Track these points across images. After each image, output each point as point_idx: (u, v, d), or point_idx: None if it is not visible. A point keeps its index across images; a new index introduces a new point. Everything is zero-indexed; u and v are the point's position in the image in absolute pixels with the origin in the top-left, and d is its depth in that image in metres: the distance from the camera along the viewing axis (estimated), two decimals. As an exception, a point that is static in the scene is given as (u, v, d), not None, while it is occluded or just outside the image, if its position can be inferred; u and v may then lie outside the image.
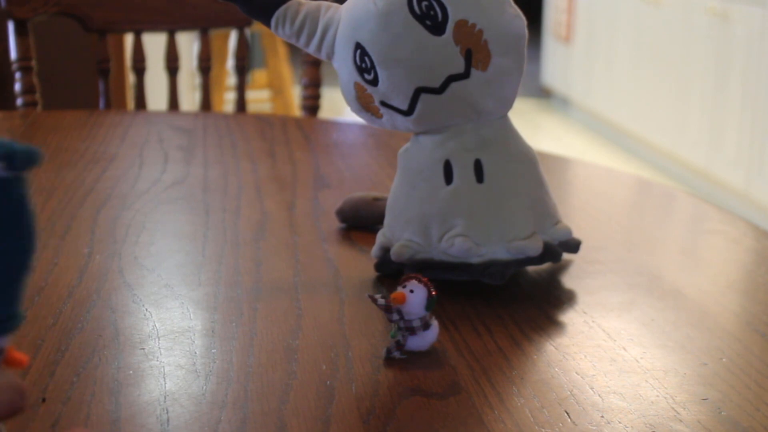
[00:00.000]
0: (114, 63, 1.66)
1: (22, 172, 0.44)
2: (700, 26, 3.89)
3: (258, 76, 4.56)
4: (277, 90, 4.34)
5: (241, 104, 1.73)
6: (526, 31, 0.77)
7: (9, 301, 0.46)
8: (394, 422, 0.58)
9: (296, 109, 4.31)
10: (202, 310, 0.74)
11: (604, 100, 4.88)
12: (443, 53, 0.75)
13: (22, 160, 0.43)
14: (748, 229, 0.97)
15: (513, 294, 0.78)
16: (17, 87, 1.58)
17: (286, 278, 0.81)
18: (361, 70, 0.77)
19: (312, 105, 1.68)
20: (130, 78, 2.79)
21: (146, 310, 0.74)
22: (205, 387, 0.62)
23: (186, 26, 1.72)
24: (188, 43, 4.05)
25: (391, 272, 0.80)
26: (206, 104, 1.72)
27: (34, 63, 1.59)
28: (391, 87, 0.76)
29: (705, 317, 0.75)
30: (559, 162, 1.24)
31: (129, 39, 2.72)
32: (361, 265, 0.84)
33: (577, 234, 0.82)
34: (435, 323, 0.67)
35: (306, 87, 1.68)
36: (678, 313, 0.76)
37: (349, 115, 0.93)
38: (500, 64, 0.76)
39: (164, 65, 1.69)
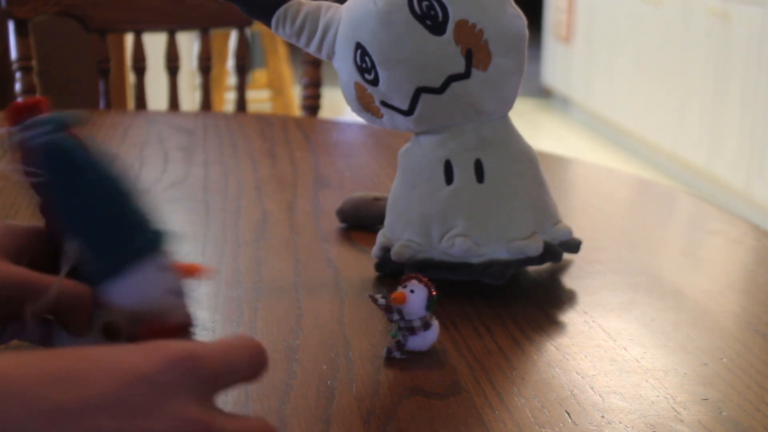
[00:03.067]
0: (114, 63, 1.66)
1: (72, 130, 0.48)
2: (700, 26, 3.89)
3: (258, 76, 4.57)
4: (278, 90, 4.34)
5: (241, 104, 1.73)
6: (527, 31, 0.77)
7: (136, 225, 0.48)
8: (394, 422, 0.58)
9: (296, 109, 4.31)
10: (203, 309, 0.74)
11: (604, 100, 4.88)
12: (444, 53, 0.75)
13: (72, 121, 0.48)
14: (748, 229, 0.97)
15: (513, 294, 0.78)
16: (17, 87, 1.58)
17: (286, 278, 0.81)
18: (362, 70, 0.77)
19: (312, 105, 1.68)
20: (131, 78, 2.79)
21: (146, 310, 0.74)
22: (205, 387, 0.62)
23: (186, 26, 1.72)
24: (188, 43, 4.04)
25: (391, 272, 0.80)
26: (206, 104, 1.72)
27: (34, 63, 1.59)
28: (392, 87, 0.76)
29: (705, 317, 0.75)
30: (559, 162, 1.24)
31: (129, 39, 2.72)
32: (361, 265, 0.84)
33: (577, 234, 0.82)
34: (435, 323, 0.67)
35: (306, 87, 1.68)
36: (678, 313, 0.76)
37: (349, 115, 0.93)
38: (501, 64, 0.76)
39: (164, 65, 1.69)
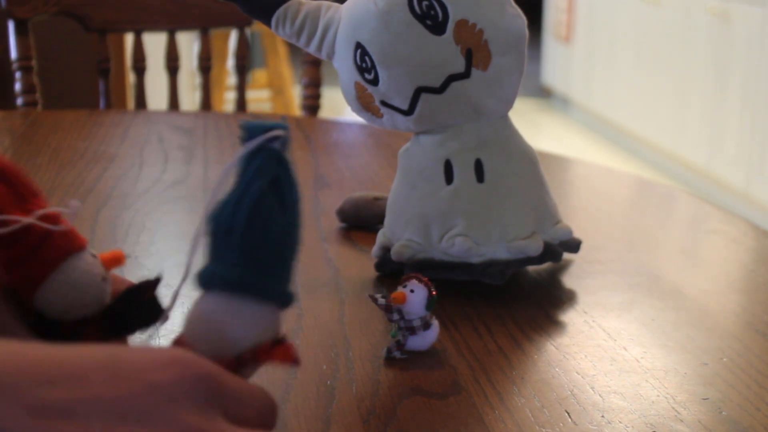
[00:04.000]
0: (114, 63, 1.66)
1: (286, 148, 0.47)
2: (700, 26, 3.89)
3: (258, 75, 4.57)
4: (278, 90, 4.34)
5: (241, 104, 1.73)
6: (527, 31, 0.77)
7: (287, 277, 0.47)
8: (394, 422, 0.58)
9: (296, 109, 4.31)
10: (203, 309, 0.74)
11: (604, 100, 4.88)
12: (444, 53, 0.75)
13: (289, 137, 0.47)
14: (748, 229, 0.97)
15: (513, 294, 0.78)
16: (17, 87, 1.58)
17: (286, 278, 0.81)
18: (362, 69, 0.77)
19: (312, 105, 1.68)
20: (131, 78, 2.80)
21: (146, 309, 0.74)
22: (205, 387, 0.62)
23: (186, 26, 1.72)
24: (188, 43, 4.05)
25: (391, 272, 0.80)
26: (206, 104, 1.72)
27: (34, 63, 1.59)
28: (392, 87, 0.76)
29: (705, 317, 0.75)
30: (559, 162, 1.24)
31: (129, 39, 2.72)
32: (361, 265, 0.84)
33: (577, 234, 0.82)
34: (435, 323, 0.67)
35: (306, 87, 1.68)
36: (678, 312, 0.76)
37: (349, 115, 0.93)
38: (501, 63, 0.76)
39: (164, 65, 1.69)
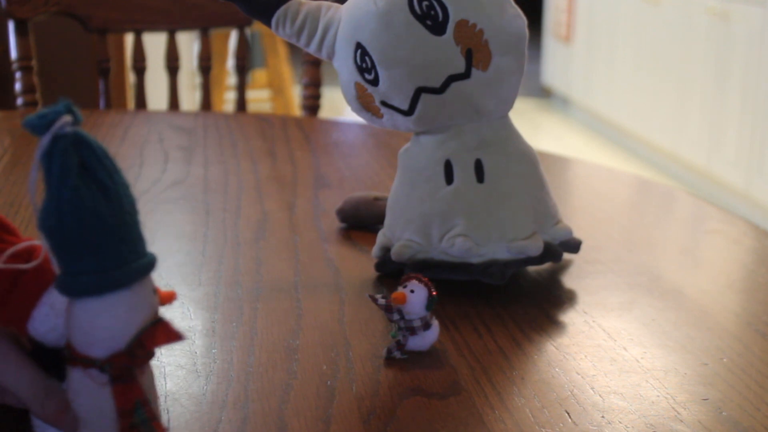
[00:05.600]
0: (114, 63, 1.66)
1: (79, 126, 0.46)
2: (700, 26, 3.89)
3: (258, 75, 4.56)
4: (277, 90, 4.34)
5: (241, 104, 1.73)
6: (527, 31, 0.77)
7: (134, 245, 0.47)
8: (394, 422, 0.58)
9: (296, 109, 4.31)
10: (203, 309, 0.74)
11: (604, 100, 4.88)
12: (444, 53, 0.75)
13: (76, 114, 0.46)
14: (748, 229, 0.97)
15: (513, 294, 0.78)
16: (17, 87, 1.58)
17: (286, 278, 0.81)
18: (362, 69, 0.77)
19: (312, 105, 1.68)
20: (130, 78, 2.80)
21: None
22: (205, 387, 0.62)
23: (186, 26, 1.72)
24: (188, 43, 4.05)
25: (391, 272, 0.80)
26: (206, 104, 1.72)
27: (34, 63, 1.59)
28: (392, 87, 0.76)
29: (705, 317, 0.75)
30: (559, 162, 1.24)
31: (129, 39, 2.72)
32: (361, 265, 0.84)
33: (577, 234, 0.82)
34: (435, 323, 0.67)
35: (306, 87, 1.68)
36: (678, 313, 0.76)
37: (349, 115, 0.93)
38: (501, 63, 0.76)
39: (164, 65, 1.69)
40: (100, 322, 0.46)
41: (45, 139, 0.45)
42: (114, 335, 0.46)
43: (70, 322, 0.47)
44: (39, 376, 0.49)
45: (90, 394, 0.48)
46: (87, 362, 0.47)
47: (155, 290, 0.49)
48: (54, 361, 0.50)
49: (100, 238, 0.45)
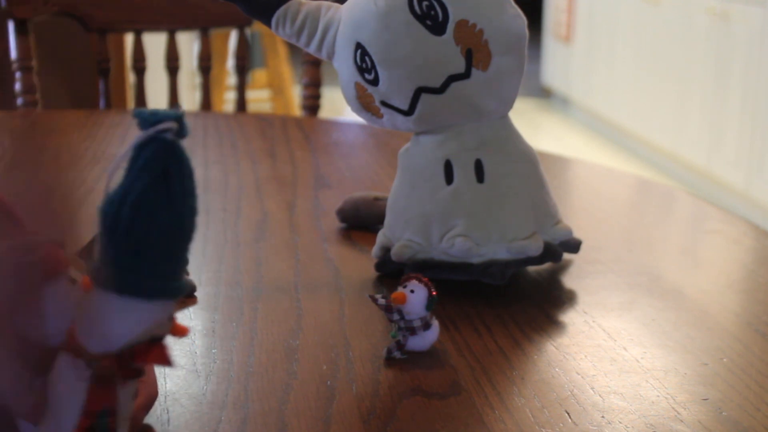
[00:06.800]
0: (114, 63, 1.66)
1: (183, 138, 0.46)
2: (700, 26, 3.89)
3: (258, 75, 4.56)
4: (278, 90, 4.34)
5: (241, 104, 1.73)
6: (527, 31, 0.77)
7: (176, 266, 0.46)
8: (394, 422, 0.58)
9: (296, 109, 4.31)
10: (203, 310, 0.74)
11: (604, 100, 4.88)
12: (444, 53, 0.75)
13: (184, 126, 0.46)
14: (748, 229, 0.97)
15: (513, 294, 0.78)
16: (17, 87, 1.58)
17: (286, 278, 0.81)
18: (362, 70, 0.77)
19: (312, 105, 1.68)
20: (131, 78, 2.79)
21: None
22: (205, 387, 0.62)
23: (186, 26, 1.72)
24: (188, 43, 4.05)
25: (391, 272, 0.80)
26: (206, 104, 1.72)
27: (34, 63, 1.59)
28: (392, 87, 0.76)
29: (705, 317, 0.75)
30: (559, 162, 1.24)
31: (129, 39, 2.72)
32: (361, 265, 0.84)
33: (577, 234, 0.82)
34: (435, 323, 0.67)
35: (306, 87, 1.68)
36: (678, 313, 0.76)
37: (349, 115, 0.93)
38: (501, 63, 0.76)
39: (164, 65, 1.69)
40: (108, 320, 0.46)
41: (145, 133, 0.46)
42: (113, 337, 0.46)
43: (82, 305, 0.47)
44: (23, 372, 0.49)
45: (68, 383, 0.48)
46: (79, 352, 0.47)
47: (171, 318, 0.49)
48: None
49: (146, 244, 0.45)
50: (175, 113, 0.46)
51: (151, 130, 0.46)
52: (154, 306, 0.47)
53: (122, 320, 0.46)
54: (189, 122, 0.47)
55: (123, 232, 0.45)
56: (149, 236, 0.45)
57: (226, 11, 1.67)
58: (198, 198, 0.47)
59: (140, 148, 0.46)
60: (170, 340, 0.68)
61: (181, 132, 0.46)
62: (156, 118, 0.46)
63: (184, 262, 0.47)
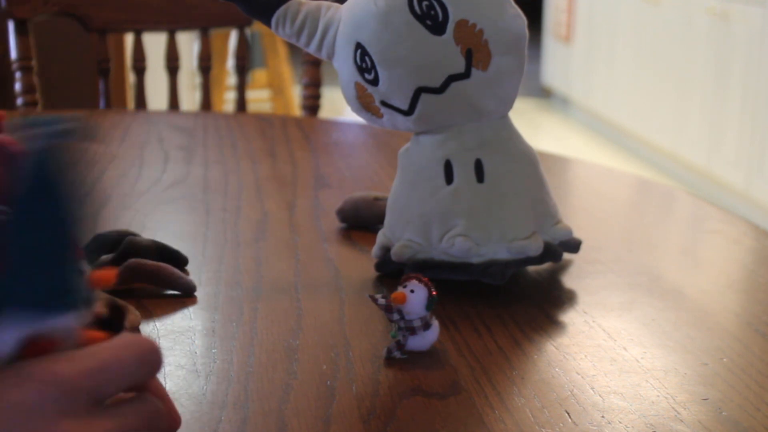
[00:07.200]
0: (114, 63, 1.66)
1: (64, 143, 0.45)
2: (700, 26, 3.89)
3: (258, 75, 4.56)
4: (278, 90, 4.34)
5: (241, 104, 1.73)
6: (527, 31, 0.77)
7: (59, 276, 0.45)
8: (394, 422, 0.58)
9: (296, 109, 4.31)
10: (203, 310, 0.74)
11: (604, 100, 4.88)
12: (444, 53, 0.75)
13: (66, 132, 0.45)
14: (748, 229, 0.97)
15: (513, 294, 0.78)
16: (17, 87, 1.58)
17: (286, 278, 0.81)
18: (362, 69, 0.77)
19: (312, 105, 1.68)
20: (130, 78, 2.79)
21: (147, 309, 0.74)
22: (205, 387, 0.62)
23: (186, 26, 1.72)
24: (188, 43, 4.05)
25: (391, 272, 0.80)
26: (206, 104, 1.72)
27: (34, 63, 1.59)
28: (392, 87, 0.76)
29: (705, 317, 0.75)
30: (559, 162, 1.24)
31: (129, 39, 2.72)
32: (361, 265, 0.84)
33: (577, 234, 0.82)
34: (435, 323, 0.67)
35: (306, 87, 1.68)
36: (678, 313, 0.76)
37: (349, 115, 0.93)
38: (501, 63, 0.76)
39: (164, 65, 1.69)
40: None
41: (26, 143, 0.44)
42: None
43: None
44: None
45: None
46: None
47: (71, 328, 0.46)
48: None
49: (21, 258, 0.44)
50: (57, 118, 0.44)
51: (33, 140, 0.44)
52: (33, 318, 0.44)
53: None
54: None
55: (6, 252, 0.43)
56: (24, 251, 0.44)
57: (226, 11, 1.67)
58: (86, 204, 0.45)
59: (21, 159, 0.44)
60: (170, 341, 0.68)
61: (70, 138, 0.45)
62: (36, 124, 0.44)
63: (72, 275, 0.45)
